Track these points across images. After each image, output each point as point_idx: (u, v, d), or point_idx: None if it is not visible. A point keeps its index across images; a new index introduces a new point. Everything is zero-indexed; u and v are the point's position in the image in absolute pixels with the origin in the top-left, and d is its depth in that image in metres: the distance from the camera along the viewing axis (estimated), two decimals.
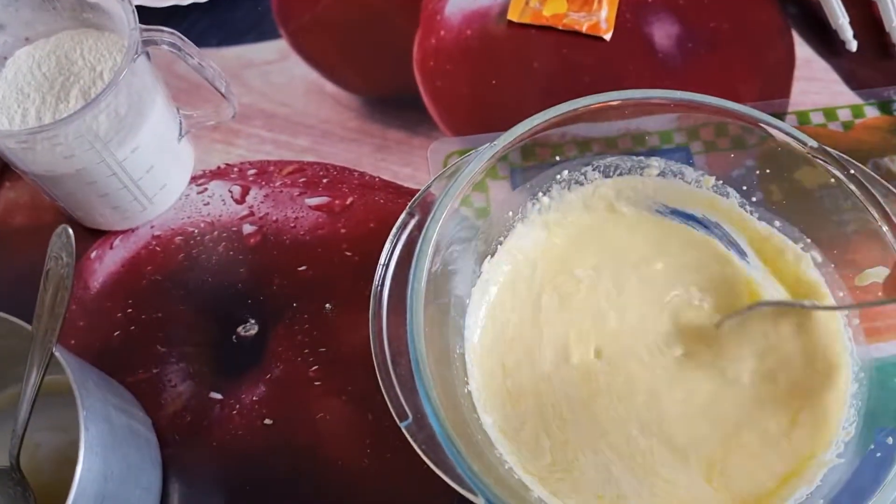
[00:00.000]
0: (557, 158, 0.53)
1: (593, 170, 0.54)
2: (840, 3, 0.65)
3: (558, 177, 0.54)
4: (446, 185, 0.48)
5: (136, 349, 0.56)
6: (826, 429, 0.48)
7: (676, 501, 0.46)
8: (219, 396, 0.54)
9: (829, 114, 0.63)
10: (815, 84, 0.64)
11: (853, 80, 0.64)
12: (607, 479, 0.47)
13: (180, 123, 0.58)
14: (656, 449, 0.47)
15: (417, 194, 0.49)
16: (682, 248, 0.55)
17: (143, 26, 0.50)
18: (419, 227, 0.47)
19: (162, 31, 0.51)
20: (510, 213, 0.53)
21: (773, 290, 0.53)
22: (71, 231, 0.42)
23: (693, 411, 0.48)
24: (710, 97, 0.51)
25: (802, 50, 0.66)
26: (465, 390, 0.49)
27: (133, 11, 0.49)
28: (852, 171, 0.48)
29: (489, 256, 0.52)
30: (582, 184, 0.54)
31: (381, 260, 0.47)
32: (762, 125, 0.51)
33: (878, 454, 0.45)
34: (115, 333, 0.56)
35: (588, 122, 0.53)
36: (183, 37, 0.52)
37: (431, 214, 0.46)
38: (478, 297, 0.52)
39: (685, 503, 0.46)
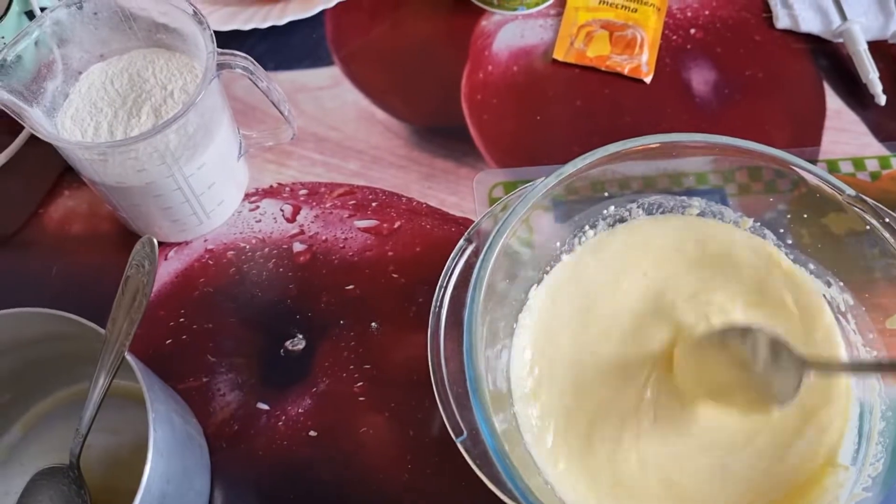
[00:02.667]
0: (606, 194, 0.55)
1: (637, 207, 0.57)
2: (870, 58, 0.68)
3: (605, 212, 0.56)
4: (500, 217, 0.50)
5: (187, 358, 0.58)
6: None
7: None
8: (266, 407, 0.56)
9: (858, 163, 0.66)
10: (845, 135, 0.67)
11: (881, 133, 0.67)
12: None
13: (240, 143, 0.60)
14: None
15: (474, 224, 0.52)
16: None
17: (219, 50, 0.52)
18: (475, 253, 0.50)
19: (235, 55, 0.53)
20: (557, 244, 0.55)
21: None
22: (155, 241, 0.45)
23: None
24: (752, 142, 0.53)
25: (833, 101, 0.69)
26: (511, 411, 0.51)
27: (211, 36, 0.52)
28: (887, 220, 0.51)
29: (535, 285, 0.55)
30: (625, 220, 0.57)
31: (440, 282, 0.50)
32: (797, 169, 0.53)
33: None
34: (167, 342, 0.58)
35: (629, 161, 0.55)
36: (254, 62, 0.54)
37: (487, 245, 0.48)
38: (524, 322, 0.54)
39: None
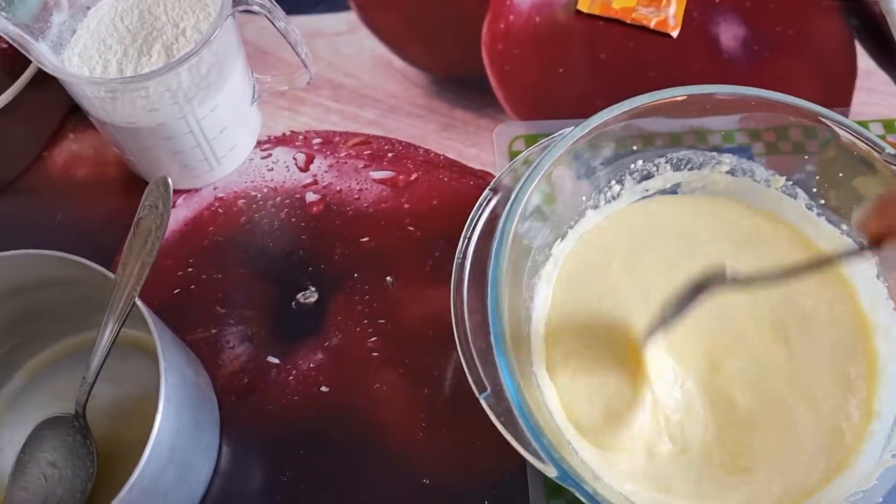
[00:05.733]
0: (634, 148, 0.53)
1: (665, 162, 0.55)
2: None
3: (632, 166, 0.54)
4: (523, 170, 0.48)
5: (196, 308, 0.56)
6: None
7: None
8: (276, 361, 0.55)
9: (889, 125, 0.64)
10: (876, 95, 0.65)
11: None
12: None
13: (254, 87, 0.58)
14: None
15: (500, 174, 0.50)
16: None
17: None
18: (500, 204, 0.48)
19: None
20: (582, 199, 0.54)
21: None
22: (170, 181, 0.42)
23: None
24: (788, 96, 0.51)
25: (864, 61, 0.66)
26: (531, 370, 0.49)
27: None
28: None
29: (559, 240, 0.53)
30: (653, 175, 0.55)
31: (464, 232, 0.48)
32: (832, 125, 0.51)
33: None
34: (175, 291, 0.57)
35: (654, 117, 0.53)
36: (272, 0, 0.52)
37: (513, 198, 0.47)
38: (546, 278, 0.52)
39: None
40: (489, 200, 0.48)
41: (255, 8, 0.51)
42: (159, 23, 0.53)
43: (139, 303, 0.44)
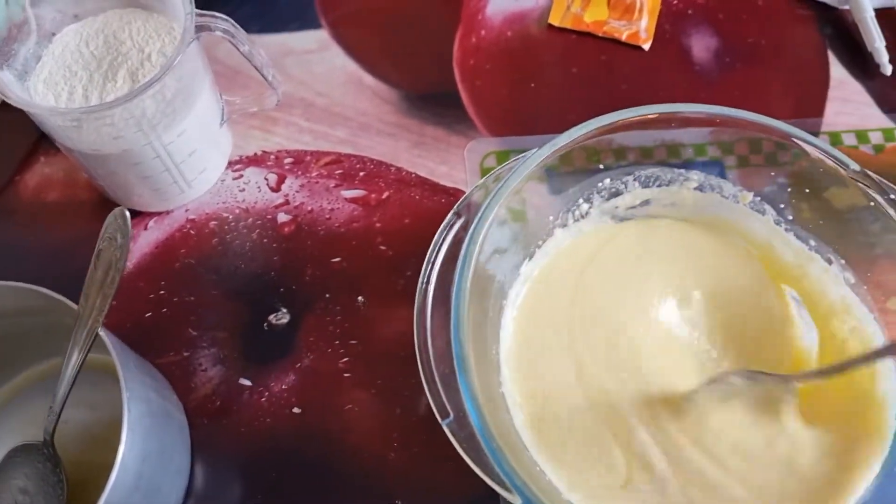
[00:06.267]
0: (601, 167, 0.53)
1: (634, 180, 0.55)
2: (877, 26, 0.66)
3: (600, 185, 0.54)
4: (491, 190, 0.48)
5: (167, 331, 0.56)
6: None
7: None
8: (248, 383, 0.55)
9: (861, 136, 0.64)
10: (848, 105, 0.65)
11: (886, 104, 0.65)
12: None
13: (222, 109, 0.58)
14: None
15: (463, 197, 0.50)
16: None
17: (198, 11, 0.50)
18: (464, 227, 0.48)
19: (216, 17, 0.51)
20: (550, 218, 0.54)
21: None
22: (127, 213, 0.42)
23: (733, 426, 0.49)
24: (753, 114, 0.51)
25: (837, 71, 0.66)
26: (500, 391, 0.49)
27: None
28: (892, 196, 0.49)
29: (527, 259, 0.53)
30: (621, 193, 0.55)
31: (428, 258, 0.48)
32: (799, 142, 0.51)
33: None
34: (147, 314, 0.57)
35: (626, 132, 0.53)
36: (235, 24, 0.52)
37: (477, 218, 0.47)
38: (513, 298, 0.52)
39: None
40: (452, 225, 0.48)
41: (219, 33, 0.51)
42: (124, 48, 0.53)
43: (102, 334, 0.44)
